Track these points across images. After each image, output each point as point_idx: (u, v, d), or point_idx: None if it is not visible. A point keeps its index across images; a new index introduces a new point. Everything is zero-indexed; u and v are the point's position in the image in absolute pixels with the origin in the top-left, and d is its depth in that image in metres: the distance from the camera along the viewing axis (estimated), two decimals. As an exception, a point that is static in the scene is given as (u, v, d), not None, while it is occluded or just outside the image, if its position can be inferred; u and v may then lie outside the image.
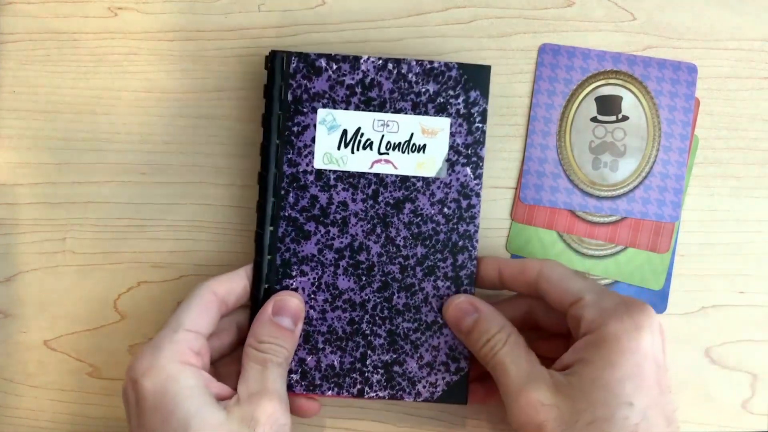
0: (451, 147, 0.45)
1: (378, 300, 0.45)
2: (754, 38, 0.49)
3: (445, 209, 0.45)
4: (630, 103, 0.48)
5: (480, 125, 0.45)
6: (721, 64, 0.49)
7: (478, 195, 0.45)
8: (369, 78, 0.44)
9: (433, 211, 0.45)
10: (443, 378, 0.45)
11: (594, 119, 0.48)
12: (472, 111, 0.45)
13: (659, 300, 0.48)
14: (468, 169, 0.45)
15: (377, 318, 0.45)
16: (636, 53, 0.48)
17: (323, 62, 0.44)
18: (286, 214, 0.44)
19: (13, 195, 0.48)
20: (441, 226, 0.45)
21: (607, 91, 0.48)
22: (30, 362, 0.48)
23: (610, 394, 0.38)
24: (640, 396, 0.38)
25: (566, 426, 0.38)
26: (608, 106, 0.48)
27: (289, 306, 0.43)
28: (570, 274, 0.42)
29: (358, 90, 0.44)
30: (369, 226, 0.45)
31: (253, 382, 0.41)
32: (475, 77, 0.45)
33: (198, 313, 0.42)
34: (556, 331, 0.44)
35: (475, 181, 0.45)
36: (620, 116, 0.48)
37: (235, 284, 0.43)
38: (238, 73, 0.48)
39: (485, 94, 0.45)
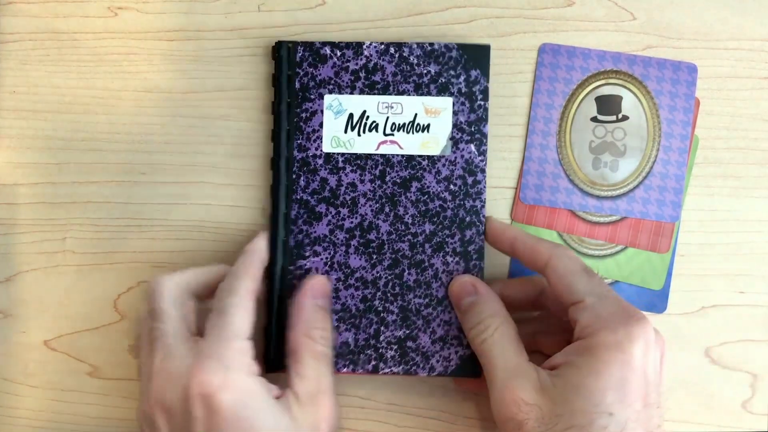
0: (454, 125, 0.45)
1: (389, 277, 0.45)
2: (754, 38, 0.49)
3: (451, 186, 0.45)
4: (630, 103, 0.48)
5: (482, 103, 0.46)
6: (721, 64, 0.49)
7: (483, 171, 0.45)
8: (372, 63, 0.46)
9: (439, 189, 0.45)
10: (456, 352, 0.45)
11: (594, 119, 0.48)
12: (474, 89, 0.45)
13: (659, 300, 0.48)
14: (472, 146, 0.45)
15: (389, 295, 0.45)
16: (636, 53, 0.48)
17: (328, 50, 0.45)
18: (298, 197, 0.45)
19: (13, 195, 0.48)
20: (448, 203, 0.45)
21: (607, 90, 0.48)
22: (30, 362, 0.48)
23: (590, 402, 0.38)
24: (622, 408, 0.38)
25: (545, 428, 0.38)
26: (608, 105, 0.48)
27: (322, 288, 0.44)
28: (577, 270, 0.42)
29: (362, 75, 0.46)
30: (377, 205, 0.45)
31: (310, 380, 0.40)
32: (475, 56, 0.46)
33: (249, 320, 0.41)
34: (563, 318, 0.43)
35: (479, 158, 0.45)
36: (620, 116, 0.48)
37: (260, 277, 0.43)
38: (238, 73, 0.48)
39: (486, 72, 0.46)
